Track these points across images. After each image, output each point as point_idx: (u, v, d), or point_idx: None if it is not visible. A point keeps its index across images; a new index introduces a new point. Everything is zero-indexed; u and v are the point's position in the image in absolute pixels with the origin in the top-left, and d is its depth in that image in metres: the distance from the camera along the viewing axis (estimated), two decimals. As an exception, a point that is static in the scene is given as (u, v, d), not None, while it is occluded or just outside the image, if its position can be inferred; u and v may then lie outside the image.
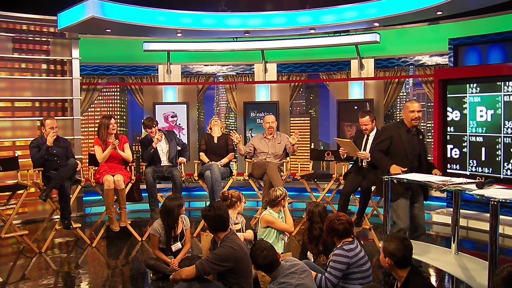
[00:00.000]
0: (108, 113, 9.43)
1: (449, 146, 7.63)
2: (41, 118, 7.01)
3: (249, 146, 7.60)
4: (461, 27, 8.06)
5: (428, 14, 7.33)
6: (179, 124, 9.47)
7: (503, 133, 6.92)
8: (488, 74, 7.22)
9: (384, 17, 7.50)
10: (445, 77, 7.81)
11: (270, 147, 7.49)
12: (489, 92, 7.05)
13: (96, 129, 7.28)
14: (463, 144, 7.43)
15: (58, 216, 6.75)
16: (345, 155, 6.76)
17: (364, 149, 6.64)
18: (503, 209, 6.87)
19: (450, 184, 3.99)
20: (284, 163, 7.48)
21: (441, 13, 7.27)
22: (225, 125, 9.07)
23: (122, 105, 9.82)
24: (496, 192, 3.57)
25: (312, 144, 8.71)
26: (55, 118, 7.20)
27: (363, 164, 6.60)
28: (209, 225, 4.58)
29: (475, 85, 7.23)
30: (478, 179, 3.85)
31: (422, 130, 5.71)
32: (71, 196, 6.79)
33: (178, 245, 5.45)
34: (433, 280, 5.32)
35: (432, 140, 8.14)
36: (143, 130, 7.78)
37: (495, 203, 3.32)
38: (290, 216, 5.56)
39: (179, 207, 5.32)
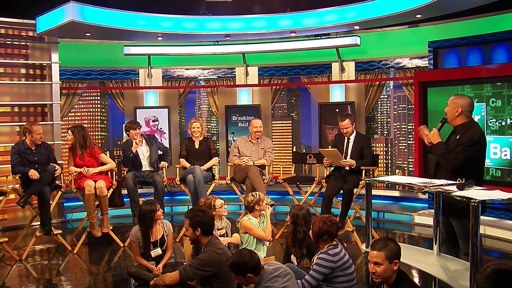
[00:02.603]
0: (89, 117, 9.38)
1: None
2: (20, 124, 6.88)
3: (235, 153, 7.52)
4: (440, 30, 8.15)
5: (408, 17, 7.38)
6: (161, 128, 9.41)
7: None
8: (468, 77, 7.32)
9: (364, 20, 7.54)
10: (425, 79, 7.90)
11: (253, 151, 7.46)
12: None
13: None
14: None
15: (39, 223, 6.65)
16: (329, 164, 6.81)
17: (346, 153, 6.68)
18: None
19: (431, 186, 3.99)
20: (266, 167, 7.46)
21: (420, 16, 7.35)
22: (206, 128, 9.03)
23: (103, 110, 9.71)
24: (476, 193, 3.59)
25: (294, 147, 8.71)
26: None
27: (346, 168, 6.64)
28: None
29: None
30: (459, 180, 3.87)
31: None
32: (51, 202, 6.70)
33: (157, 251, 5.34)
34: (415, 281, 5.36)
35: (413, 142, 8.21)
36: (124, 134, 7.69)
37: (476, 204, 3.35)
38: (270, 223, 5.52)
39: (151, 213, 5.24)
